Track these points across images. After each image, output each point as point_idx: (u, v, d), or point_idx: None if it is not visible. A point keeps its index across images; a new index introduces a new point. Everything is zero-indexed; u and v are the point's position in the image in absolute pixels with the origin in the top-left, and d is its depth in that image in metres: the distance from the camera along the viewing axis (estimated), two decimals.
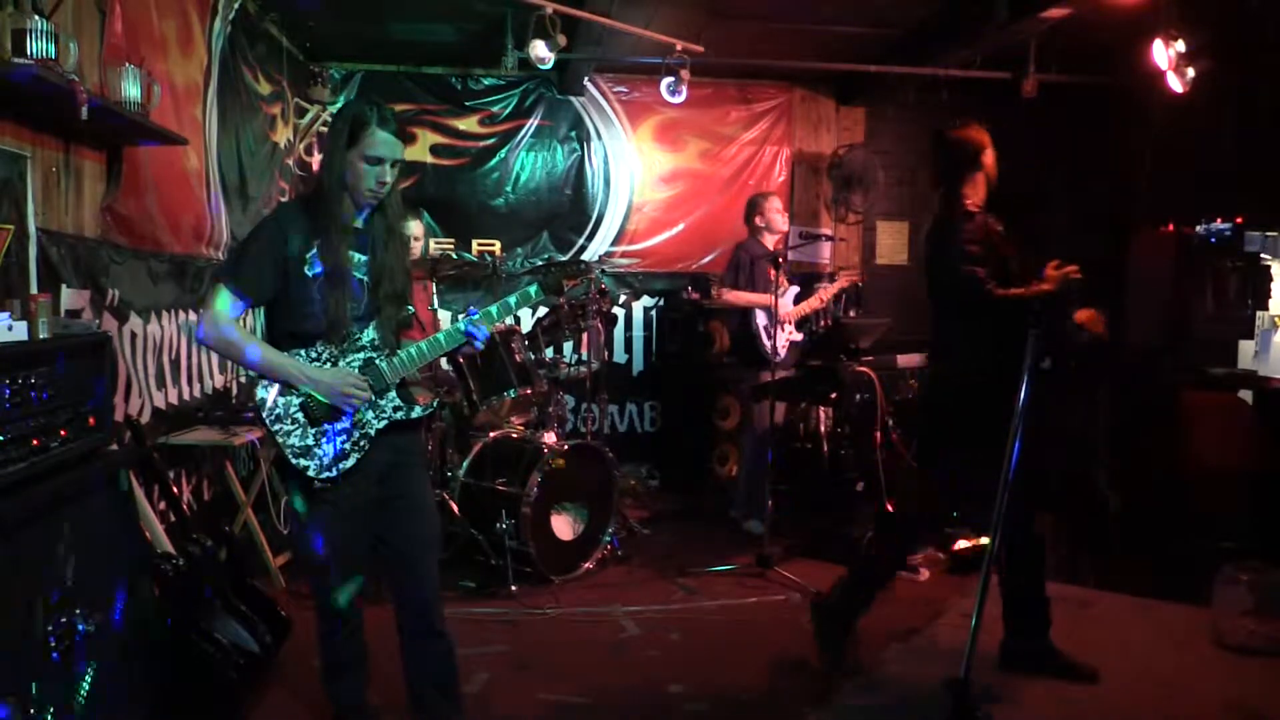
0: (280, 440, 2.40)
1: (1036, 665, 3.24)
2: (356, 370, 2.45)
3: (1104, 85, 5.77)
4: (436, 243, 6.36)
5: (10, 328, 2.24)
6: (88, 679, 2.25)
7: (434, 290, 4.77)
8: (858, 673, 3.34)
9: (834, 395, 4.88)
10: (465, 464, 4.52)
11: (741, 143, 6.86)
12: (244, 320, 2.48)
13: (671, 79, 5.32)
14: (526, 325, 5.90)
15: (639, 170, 6.74)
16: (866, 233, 7.09)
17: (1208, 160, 5.04)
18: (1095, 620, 3.70)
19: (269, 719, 3.00)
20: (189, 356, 4.10)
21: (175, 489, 3.37)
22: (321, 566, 2.54)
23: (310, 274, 2.39)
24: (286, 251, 2.38)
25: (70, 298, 3.04)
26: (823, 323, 5.66)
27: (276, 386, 2.42)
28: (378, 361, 2.47)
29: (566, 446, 4.36)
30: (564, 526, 4.40)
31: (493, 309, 2.57)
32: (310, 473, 2.40)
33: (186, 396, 4.06)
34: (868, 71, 5.88)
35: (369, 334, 2.47)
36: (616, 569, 4.55)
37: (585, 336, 5.20)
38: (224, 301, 2.37)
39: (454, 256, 6.34)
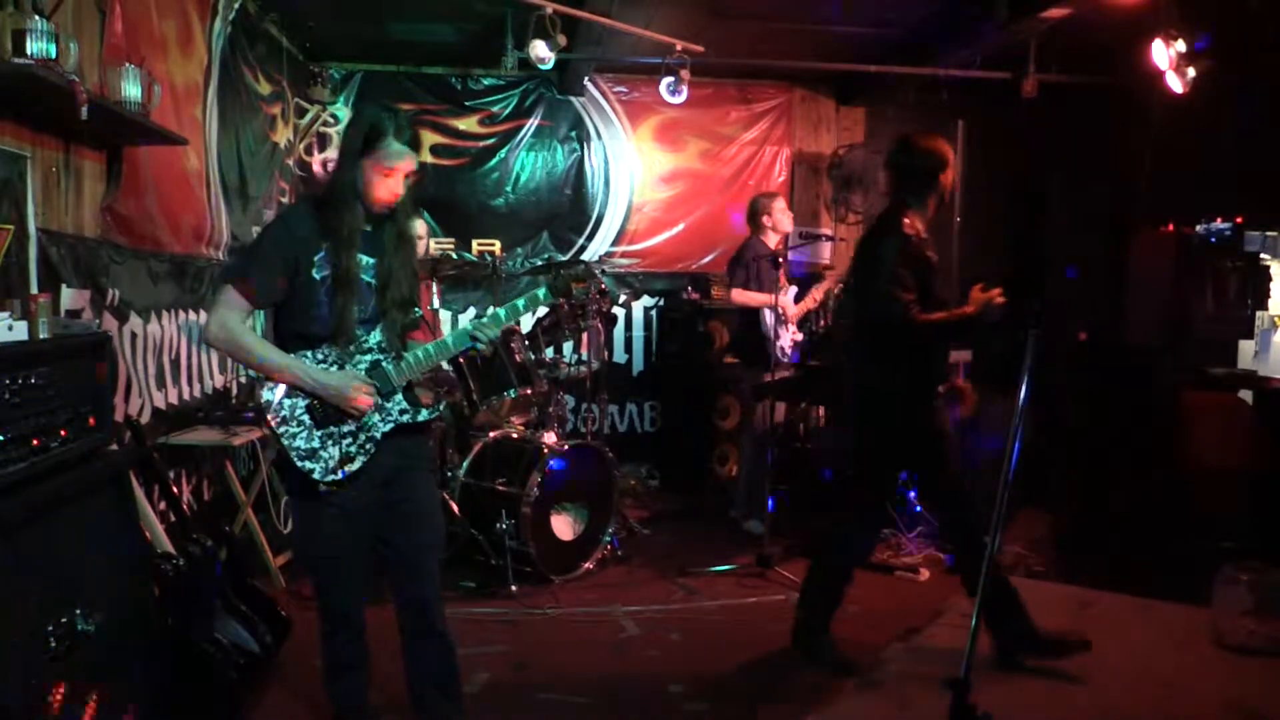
0: (286, 443, 2.39)
1: (1024, 646, 3.21)
2: (363, 373, 2.45)
3: (1104, 85, 5.76)
4: (437, 243, 6.36)
5: (10, 328, 2.23)
6: (88, 679, 2.25)
7: (435, 290, 4.77)
8: (858, 673, 3.34)
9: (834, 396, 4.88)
10: (465, 464, 4.52)
11: (741, 143, 6.86)
12: (250, 321, 2.47)
13: (671, 79, 5.33)
14: (526, 325, 5.90)
15: (639, 170, 6.75)
16: None
17: (1208, 160, 5.03)
18: (1095, 620, 3.69)
19: (269, 719, 3.01)
20: (189, 356, 4.10)
21: (175, 489, 3.36)
22: (325, 568, 2.54)
23: (318, 277, 2.38)
24: (295, 254, 2.37)
25: (70, 298, 3.04)
26: (821, 323, 5.66)
27: (282, 388, 2.40)
28: (384, 364, 2.47)
29: (566, 446, 4.37)
30: (564, 526, 4.40)
31: (500, 312, 2.55)
32: (316, 475, 2.39)
33: (186, 396, 4.06)
34: (868, 71, 5.89)
35: (375, 337, 2.46)
36: (616, 569, 4.56)
37: (585, 336, 5.20)
38: (231, 303, 2.36)
39: (454, 256, 6.34)
